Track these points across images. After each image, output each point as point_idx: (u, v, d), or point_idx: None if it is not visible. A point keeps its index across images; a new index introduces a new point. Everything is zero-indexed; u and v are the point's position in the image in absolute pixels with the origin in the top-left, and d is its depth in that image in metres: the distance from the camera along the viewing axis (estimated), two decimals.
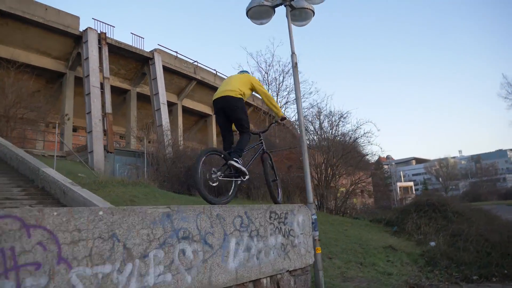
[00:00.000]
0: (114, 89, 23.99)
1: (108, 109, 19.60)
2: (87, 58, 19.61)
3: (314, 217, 5.64)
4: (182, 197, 14.20)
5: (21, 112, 18.17)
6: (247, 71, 5.83)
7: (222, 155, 4.88)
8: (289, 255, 4.60)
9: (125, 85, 24.41)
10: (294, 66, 6.30)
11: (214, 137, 30.17)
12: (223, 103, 4.97)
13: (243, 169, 4.88)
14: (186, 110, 28.73)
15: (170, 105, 27.69)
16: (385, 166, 47.43)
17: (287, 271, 4.61)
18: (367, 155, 20.10)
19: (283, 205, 4.81)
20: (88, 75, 19.41)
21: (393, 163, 52.47)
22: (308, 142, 20.00)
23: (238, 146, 5.05)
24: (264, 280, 4.31)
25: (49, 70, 21.11)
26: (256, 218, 4.29)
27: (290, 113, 32.67)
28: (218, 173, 4.61)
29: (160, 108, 22.39)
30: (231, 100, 4.97)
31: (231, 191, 4.97)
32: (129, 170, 19.74)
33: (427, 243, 9.53)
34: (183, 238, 3.52)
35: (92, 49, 19.68)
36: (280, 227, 4.59)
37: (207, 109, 30.37)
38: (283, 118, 5.52)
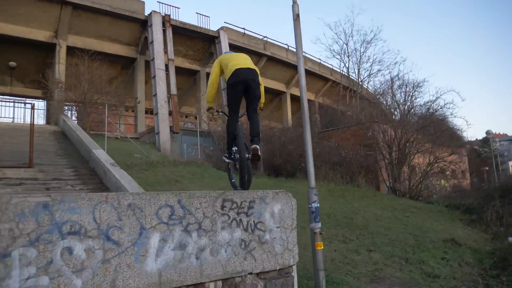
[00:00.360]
0: (184, 71, 24.44)
1: (173, 90, 19.88)
2: (152, 42, 20.03)
3: (315, 205, 4.55)
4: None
5: (97, 97, 19.33)
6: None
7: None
8: (253, 254, 3.64)
9: (194, 66, 24.65)
10: (296, 18, 5.13)
11: (289, 115, 29.25)
12: (248, 75, 4.53)
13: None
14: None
15: (278, 93, 27.63)
16: (497, 143, 41.72)
17: (252, 273, 3.66)
18: (451, 128, 17.33)
19: (247, 192, 3.81)
20: (153, 58, 19.85)
21: (499, 141, 45.60)
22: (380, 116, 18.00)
23: (258, 130, 4.73)
24: (212, 284, 3.43)
25: (122, 56, 22.12)
26: (197, 208, 3.40)
27: (373, 85, 30.20)
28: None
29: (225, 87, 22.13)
30: (256, 75, 4.65)
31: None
32: (196, 150, 19.96)
33: (505, 238, 7.56)
34: (69, 233, 2.81)
35: (156, 32, 20.03)
36: (240, 219, 3.63)
37: (280, 86, 29.48)
38: (260, 108, 5.07)
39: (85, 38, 20.53)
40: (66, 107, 20.28)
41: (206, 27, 23.13)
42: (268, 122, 28.08)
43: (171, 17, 21.29)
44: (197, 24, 22.66)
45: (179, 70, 24.41)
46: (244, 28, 25.57)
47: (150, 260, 3.09)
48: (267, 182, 13.33)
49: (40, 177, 9.98)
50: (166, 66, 20.08)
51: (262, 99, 4.97)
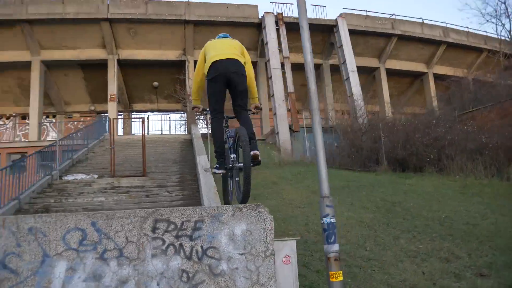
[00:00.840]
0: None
1: (290, 88, 19.47)
2: (266, 43, 20.08)
3: (328, 220, 3.48)
4: (349, 175, 12.43)
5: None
6: (228, 37, 4.38)
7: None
8: None
9: (315, 60, 23.66)
10: None
11: (433, 98, 25.48)
12: (229, 67, 3.84)
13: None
14: (392, 72, 25.42)
15: (371, 70, 25.25)
16: None
17: None
18: None
19: (192, 209, 3.03)
20: (268, 59, 19.86)
21: None
22: None
23: (252, 130, 4.03)
24: None
25: None
26: (118, 231, 2.84)
27: None
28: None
29: (349, 77, 20.58)
30: (239, 65, 3.92)
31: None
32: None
33: None
34: None
35: (270, 32, 19.99)
36: (180, 244, 2.91)
37: (419, 66, 25.94)
38: (257, 108, 4.33)
39: None
40: (200, 116, 21.87)
41: (323, 17, 22.02)
42: (412, 109, 25.03)
43: (285, 14, 20.97)
44: (313, 16, 21.76)
45: (301, 67, 23.91)
46: (366, 10, 23.43)
47: None
48: (381, 180, 11.63)
49: (147, 184, 10.84)
50: (283, 65, 19.83)
51: (254, 93, 4.08)
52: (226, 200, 4.25)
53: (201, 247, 2.92)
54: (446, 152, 12.20)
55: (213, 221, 2.98)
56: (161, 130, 24.67)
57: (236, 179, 3.98)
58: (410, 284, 5.00)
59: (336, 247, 3.48)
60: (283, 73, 19.64)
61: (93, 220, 2.81)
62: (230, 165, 3.96)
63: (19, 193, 8.96)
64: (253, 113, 4.30)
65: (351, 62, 20.85)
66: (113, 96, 20.67)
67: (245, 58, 4.06)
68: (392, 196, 9.46)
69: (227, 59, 3.82)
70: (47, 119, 23.24)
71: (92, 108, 23.59)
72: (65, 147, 13.93)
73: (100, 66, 20.97)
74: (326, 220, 3.53)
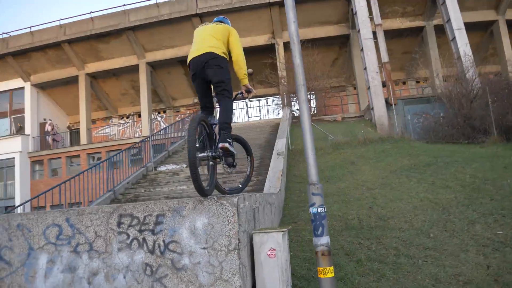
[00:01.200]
0: (408, 31, 21.64)
1: (384, 58, 17.90)
2: (355, 12, 18.75)
3: (314, 210, 3.23)
4: (443, 149, 11.02)
5: (312, 84, 19.95)
6: (223, 21, 4.41)
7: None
8: (164, 284, 2.93)
9: (417, 23, 21.35)
10: None
11: (508, 51, 20.79)
12: (202, 62, 3.86)
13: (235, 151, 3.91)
14: None
15: (487, 25, 21.62)
16: None
17: None
18: None
19: (153, 203, 3.04)
20: (359, 30, 18.53)
21: None
22: None
23: (225, 120, 3.87)
24: None
25: (335, 36, 21.87)
26: (88, 227, 3.06)
27: None
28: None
29: (455, 37, 17.96)
30: (214, 58, 3.88)
31: (211, 179, 3.80)
32: (425, 120, 17.31)
33: None
34: None
35: (359, 1, 18.58)
36: (144, 238, 3.00)
37: (487, 14, 21.29)
38: (248, 90, 4.23)
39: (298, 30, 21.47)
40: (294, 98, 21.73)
41: None
42: (483, 67, 20.73)
43: None
44: None
45: (401, 33, 21.83)
46: None
47: (39, 281, 3.01)
48: (482, 153, 10.02)
49: (224, 171, 11.27)
50: (375, 34, 18.33)
51: (240, 75, 3.88)
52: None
53: (163, 241, 2.94)
54: None
55: (174, 215, 2.96)
56: (260, 116, 25.28)
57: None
58: (464, 279, 4.24)
59: (324, 240, 3.14)
60: (376, 43, 18.16)
61: (67, 216, 3.06)
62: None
63: (114, 185, 10.22)
64: (244, 97, 4.11)
65: (457, 19, 18.14)
66: None
67: (230, 42, 3.88)
68: (487, 172, 8.07)
69: (200, 55, 3.79)
70: (159, 114, 25.81)
71: (196, 100, 25.34)
72: (163, 140, 15.36)
73: None
74: (313, 209, 3.21)
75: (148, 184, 11.05)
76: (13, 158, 21.60)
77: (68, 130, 25.82)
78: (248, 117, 25.23)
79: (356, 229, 5.97)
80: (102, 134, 25.72)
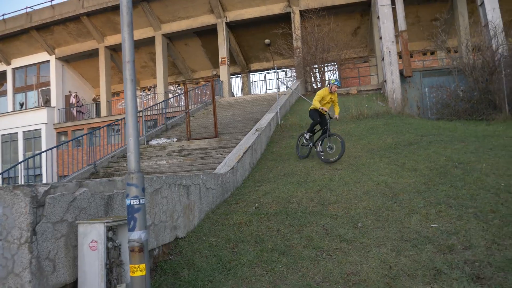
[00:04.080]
0: None
1: (402, 26, 16.48)
2: None
3: (129, 201, 2.99)
4: (438, 126, 10.10)
5: (326, 54, 18.98)
6: None
7: None
8: None
9: None
10: None
11: None
12: None
13: None
14: None
15: None
16: None
17: None
18: None
19: None
20: None
21: None
22: None
23: None
24: None
25: (356, 3, 20.45)
26: None
27: None
28: None
29: (484, 1, 16.12)
30: None
31: None
32: (442, 94, 16.01)
33: None
34: None
35: None
36: None
37: None
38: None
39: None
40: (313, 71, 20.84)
41: None
42: None
43: None
44: None
45: None
46: None
47: None
48: (478, 132, 9.03)
49: (212, 146, 11.08)
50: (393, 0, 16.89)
51: None
52: None
53: None
54: None
55: None
56: (278, 88, 24.59)
57: None
58: (355, 279, 3.77)
59: (136, 235, 2.87)
60: (394, 10, 16.74)
61: None
62: None
63: (95, 159, 10.41)
64: None
65: None
66: (223, 59, 21.50)
67: None
68: (468, 154, 7.26)
69: None
70: (179, 87, 25.92)
71: (214, 72, 25.10)
72: (170, 114, 15.38)
73: (213, 31, 21.94)
74: (127, 201, 2.93)
75: None
76: (40, 129, 22.77)
77: (93, 102, 26.69)
78: (266, 89, 24.67)
79: (288, 214, 5.60)
80: (124, 107, 26.34)
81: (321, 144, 8.26)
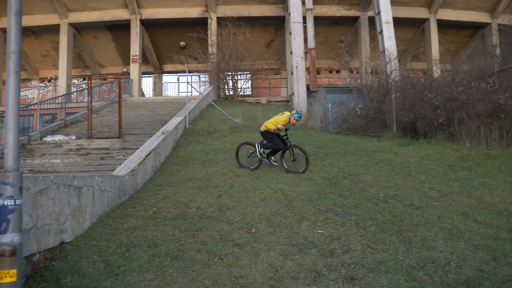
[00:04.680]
0: (342, 20, 21.56)
1: (311, 44, 17.66)
2: None
3: (5, 202, 2.69)
4: (333, 140, 10.95)
5: (240, 64, 19.40)
6: None
7: None
8: None
9: (352, 12, 21.25)
10: None
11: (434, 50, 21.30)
12: None
13: None
14: (446, 24, 21.94)
15: (420, 22, 21.99)
16: None
17: None
18: None
19: None
20: (290, 12, 18.10)
21: None
22: None
23: None
24: None
25: (271, 17, 21.31)
26: None
27: None
28: None
29: (382, 30, 18.03)
30: None
31: None
32: (343, 110, 17.36)
33: None
34: None
35: None
36: None
37: (481, 16, 21.97)
38: None
39: (232, 6, 20.75)
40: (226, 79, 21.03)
41: None
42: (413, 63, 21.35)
43: None
44: None
45: (337, 21, 21.71)
46: None
47: None
48: (368, 147, 10.03)
49: (114, 146, 10.57)
50: (305, 18, 17.99)
51: None
52: None
53: None
54: (457, 116, 10.06)
55: None
56: (191, 92, 24.41)
57: None
58: (243, 282, 3.91)
59: (7, 238, 2.65)
60: (305, 28, 17.83)
61: None
62: None
63: None
64: None
65: (386, 12, 18.17)
66: (135, 57, 20.72)
67: None
68: (358, 166, 8.01)
69: None
70: (84, 81, 24.27)
71: (125, 70, 24.02)
72: (72, 109, 14.27)
73: (126, 27, 21.02)
74: (0, 201, 2.70)
75: (23, 155, 10.14)
76: None
77: None
78: (179, 92, 24.35)
79: (185, 219, 5.59)
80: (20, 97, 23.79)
81: (283, 157, 8.00)
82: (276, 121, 7.92)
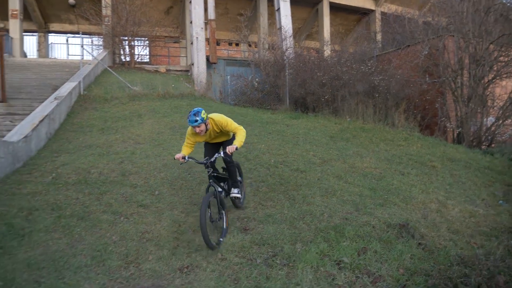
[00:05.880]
0: None
1: (211, 15, 17.85)
2: None
3: None
4: (232, 112, 11.63)
5: (137, 29, 18.69)
6: None
7: None
8: None
9: None
10: None
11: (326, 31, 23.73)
12: None
13: None
14: (337, 7, 23.85)
15: (314, 3, 23.57)
16: None
17: None
18: None
19: None
20: None
21: None
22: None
23: None
24: None
25: None
26: None
27: None
28: None
29: (280, 8, 19.01)
30: None
31: None
32: (242, 83, 18.07)
33: None
34: None
35: None
36: None
37: (367, 3, 24.33)
38: None
39: None
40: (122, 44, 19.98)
41: None
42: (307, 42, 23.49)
43: None
44: None
45: None
46: None
47: None
48: (260, 118, 10.95)
49: None
50: None
51: None
52: None
53: None
54: (340, 93, 11.51)
55: None
56: (82, 55, 22.72)
57: None
58: (149, 236, 4.36)
59: None
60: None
61: None
62: None
63: None
64: None
65: None
66: (15, 12, 18.45)
67: None
68: (253, 136, 8.77)
69: None
70: None
71: (2, 25, 21.18)
72: None
73: None
74: None
75: None
76: None
77: None
78: (68, 55, 22.49)
79: (87, 184, 5.72)
80: None
81: None
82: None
